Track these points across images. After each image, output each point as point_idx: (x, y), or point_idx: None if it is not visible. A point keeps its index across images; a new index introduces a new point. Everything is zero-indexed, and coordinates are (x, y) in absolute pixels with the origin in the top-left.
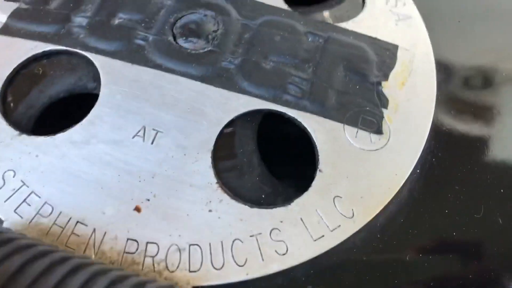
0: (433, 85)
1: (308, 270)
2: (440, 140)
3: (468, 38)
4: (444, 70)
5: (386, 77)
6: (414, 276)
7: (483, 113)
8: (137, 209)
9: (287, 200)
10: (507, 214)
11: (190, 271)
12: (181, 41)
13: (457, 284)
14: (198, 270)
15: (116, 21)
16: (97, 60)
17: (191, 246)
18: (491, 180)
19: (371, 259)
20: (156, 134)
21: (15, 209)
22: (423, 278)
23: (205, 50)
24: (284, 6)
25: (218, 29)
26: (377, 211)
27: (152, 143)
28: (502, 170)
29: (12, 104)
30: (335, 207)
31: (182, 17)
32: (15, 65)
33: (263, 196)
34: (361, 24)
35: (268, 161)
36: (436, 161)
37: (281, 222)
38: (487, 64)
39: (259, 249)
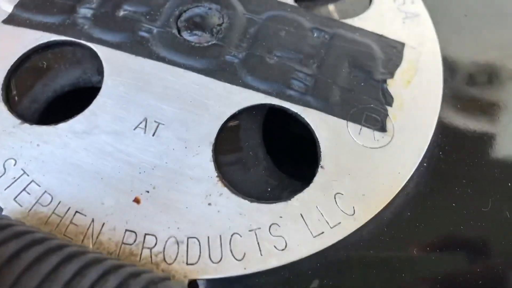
0: (439, 84)
1: (307, 266)
2: (447, 136)
3: (476, 35)
4: (451, 67)
5: (391, 75)
6: (419, 272)
7: (490, 109)
8: (136, 200)
9: (294, 194)
10: None
11: (187, 264)
12: (185, 34)
13: (464, 279)
14: (196, 263)
15: (121, 13)
16: (101, 51)
17: (190, 239)
18: (498, 174)
19: (374, 254)
20: (158, 126)
21: (15, 197)
22: (429, 273)
23: (209, 43)
24: (290, 1)
25: (223, 23)
26: (379, 209)
27: (153, 135)
28: (509, 164)
29: (16, 98)
30: (336, 204)
31: (187, 10)
32: (20, 55)
33: (269, 189)
34: (368, 21)
35: (275, 156)
36: (443, 155)
37: (281, 217)
38: (494, 61)
39: (258, 243)
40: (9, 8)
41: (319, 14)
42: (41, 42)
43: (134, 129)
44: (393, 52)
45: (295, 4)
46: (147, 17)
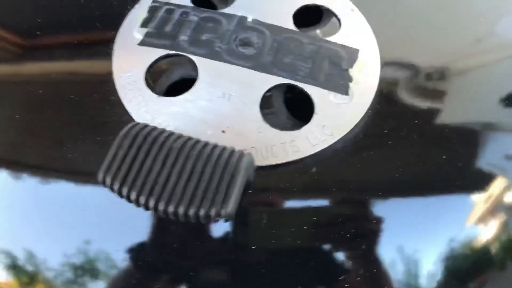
0: (377, 75)
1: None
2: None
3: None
4: (388, 65)
5: (351, 66)
6: None
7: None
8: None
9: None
10: None
11: None
12: (240, 49)
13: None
14: None
15: (204, 38)
16: (195, 59)
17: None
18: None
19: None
20: (230, 96)
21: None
22: None
23: (253, 53)
24: (295, 29)
25: (259, 41)
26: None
27: (228, 100)
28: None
29: (152, 84)
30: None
31: (240, 35)
32: (151, 61)
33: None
34: (337, 37)
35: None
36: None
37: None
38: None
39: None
40: (140, 37)
41: (311, 34)
42: (161, 54)
43: (218, 98)
44: (352, 53)
45: (297, 30)
46: (218, 39)
